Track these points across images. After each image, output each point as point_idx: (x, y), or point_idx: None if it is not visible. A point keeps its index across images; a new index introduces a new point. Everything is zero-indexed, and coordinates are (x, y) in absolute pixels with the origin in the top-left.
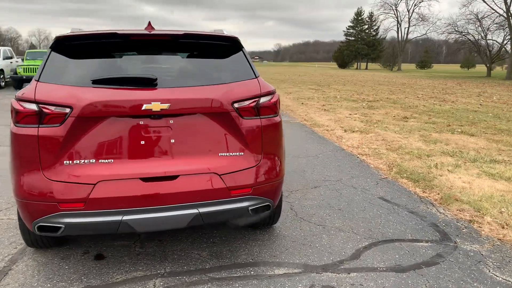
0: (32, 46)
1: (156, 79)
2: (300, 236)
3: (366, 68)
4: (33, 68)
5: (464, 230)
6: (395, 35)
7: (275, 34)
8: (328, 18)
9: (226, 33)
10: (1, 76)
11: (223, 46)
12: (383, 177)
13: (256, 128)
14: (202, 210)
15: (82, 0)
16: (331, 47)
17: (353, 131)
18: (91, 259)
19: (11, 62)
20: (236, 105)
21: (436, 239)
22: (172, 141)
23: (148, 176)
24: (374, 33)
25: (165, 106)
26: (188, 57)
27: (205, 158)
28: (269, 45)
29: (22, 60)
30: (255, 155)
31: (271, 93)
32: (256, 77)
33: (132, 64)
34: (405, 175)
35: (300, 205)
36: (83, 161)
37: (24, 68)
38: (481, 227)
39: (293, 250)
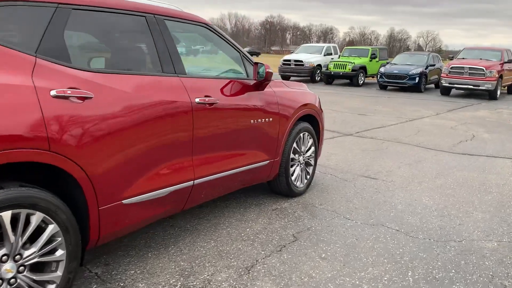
0: (419, 47)
1: None
2: None
3: None
4: (342, 64)
5: None
6: None
7: None
8: None
9: None
10: (318, 71)
11: None
12: None
13: None
14: None
15: (478, 1)
16: None
17: None
18: None
19: (332, 58)
20: None
21: None
22: None
23: None
24: None
25: None
26: None
27: None
28: None
29: (339, 56)
30: None
31: None
32: None
33: None
34: None
35: None
36: None
37: (334, 64)
38: None
39: None
